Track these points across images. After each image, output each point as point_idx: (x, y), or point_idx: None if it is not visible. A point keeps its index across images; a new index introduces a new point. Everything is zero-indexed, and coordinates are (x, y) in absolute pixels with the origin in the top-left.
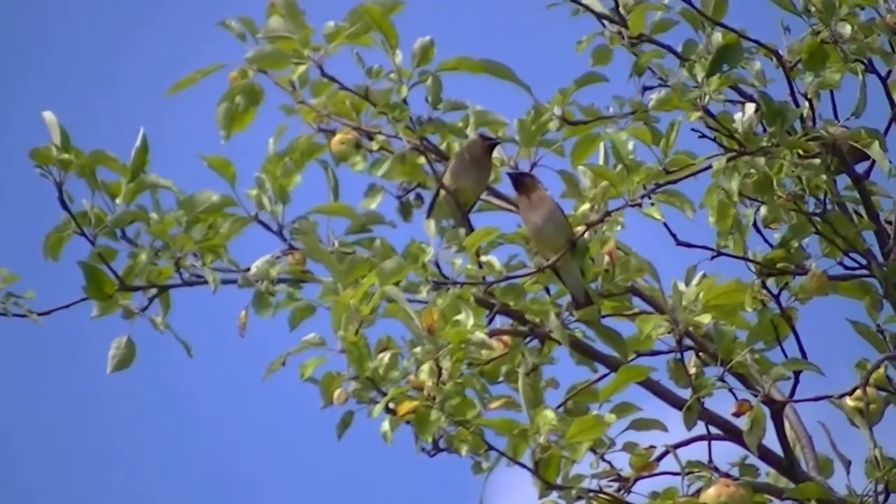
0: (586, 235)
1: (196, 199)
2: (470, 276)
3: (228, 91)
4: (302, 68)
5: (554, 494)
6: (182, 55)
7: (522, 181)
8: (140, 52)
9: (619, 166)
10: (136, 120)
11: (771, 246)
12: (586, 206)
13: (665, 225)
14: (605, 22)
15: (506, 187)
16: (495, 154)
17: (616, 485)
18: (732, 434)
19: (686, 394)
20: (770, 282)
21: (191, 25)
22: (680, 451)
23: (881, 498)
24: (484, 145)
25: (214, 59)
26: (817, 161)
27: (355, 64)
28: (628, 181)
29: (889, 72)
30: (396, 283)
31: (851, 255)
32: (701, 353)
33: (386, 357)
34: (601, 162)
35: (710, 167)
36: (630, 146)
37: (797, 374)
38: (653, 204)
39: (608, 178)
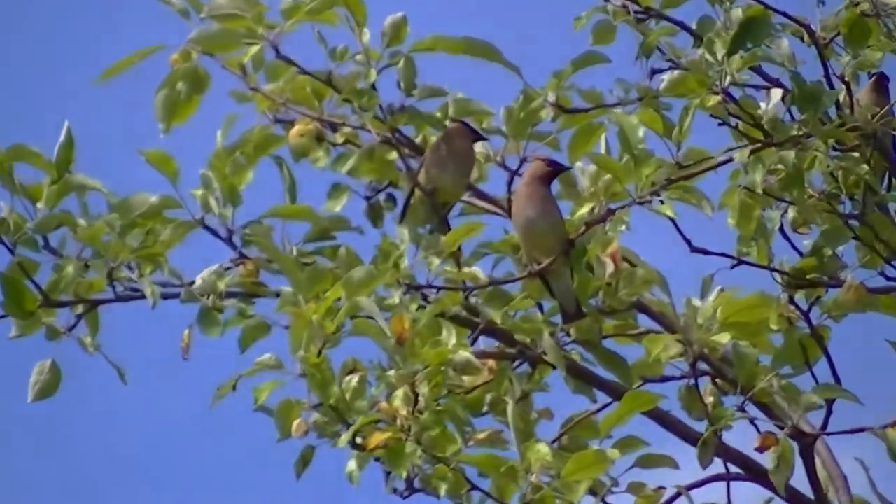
0: (585, 238)
1: (131, 201)
2: (449, 280)
3: (169, 76)
4: (255, 49)
5: None
6: (115, 36)
7: (559, 173)
8: (67, 33)
9: (626, 157)
10: (61, 112)
11: (800, 254)
12: (585, 209)
13: (677, 227)
14: None
15: (492, 186)
16: (479, 148)
17: None
18: (755, 473)
19: (701, 426)
20: (799, 296)
21: (126, 1)
22: (694, 492)
23: None
24: (465, 135)
25: (153, 40)
26: (855, 154)
27: (317, 44)
28: (636, 174)
29: None
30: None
31: (894, 263)
32: (718, 380)
33: (353, 381)
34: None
35: (730, 160)
36: (641, 133)
37: (830, 402)
38: (662, 202)
39: (613, 171)
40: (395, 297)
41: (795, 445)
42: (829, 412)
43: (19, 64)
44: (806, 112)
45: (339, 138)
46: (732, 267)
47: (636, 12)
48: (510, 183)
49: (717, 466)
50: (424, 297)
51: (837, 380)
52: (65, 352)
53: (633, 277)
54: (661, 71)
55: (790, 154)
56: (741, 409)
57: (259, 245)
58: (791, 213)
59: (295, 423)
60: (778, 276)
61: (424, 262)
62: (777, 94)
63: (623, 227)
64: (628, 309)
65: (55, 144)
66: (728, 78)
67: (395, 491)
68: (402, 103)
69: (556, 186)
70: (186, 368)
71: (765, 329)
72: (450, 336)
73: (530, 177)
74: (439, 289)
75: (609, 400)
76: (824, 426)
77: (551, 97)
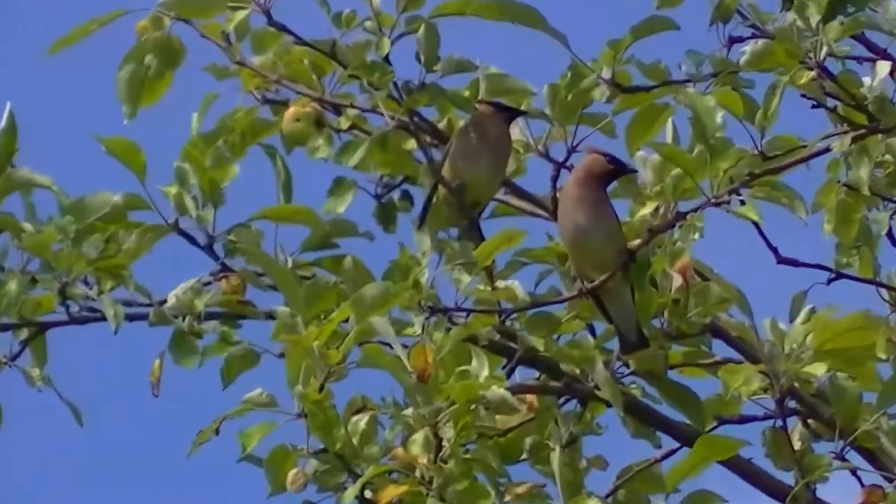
0: (648, 247)
1: (89, 202)
2: (481, 301)
3: (135, 48)
4: (241, 15)
5: None
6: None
7: (621, 174)
8: None
9: (699, 148)
10: (2, 91)
11: None
12: (647, 209)
13: (761, 233)
14: None
15: (532, 182)
16: (516, 135)
17: None
18: None
19: (790, 477)
20: None
21: None
22: None
23: None
24: (500, 118)
25: (115, 3)
26: None
27: (318, 8)
28: (712, 168)
29: None
30: None
31: None
32: (811, 420)
33: (362, 422)
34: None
35: (827, 151)
36: (719, 118)
37: None
38: (744, 202)
39: (683, 165)
40: (416, 325)
41: None
42: None
43: None
44: None
45: (344, 123)
46: (829, 281)
47: None
48: (555, 178)
49: None
50: (451, 320)
51: None
52: (7, 386)
53: (707, 294)
54: (741, 40)
55: None
56: (840, 456)
57: (246, 254)
58: None
59: (291, 474)
60: (886, 293)
61: (450, 275)
62: (884, 68)
63: (696, 236)
64: (700, 333)
65: None
66: (824, 49)
67: None
68: (421, 80)
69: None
70: (158, 407)
71: (870, 358)
72: (481, 366)
73: (585, 174)
74: (469, 312)
75: (677, 445)
76: None
77: (606, 73)
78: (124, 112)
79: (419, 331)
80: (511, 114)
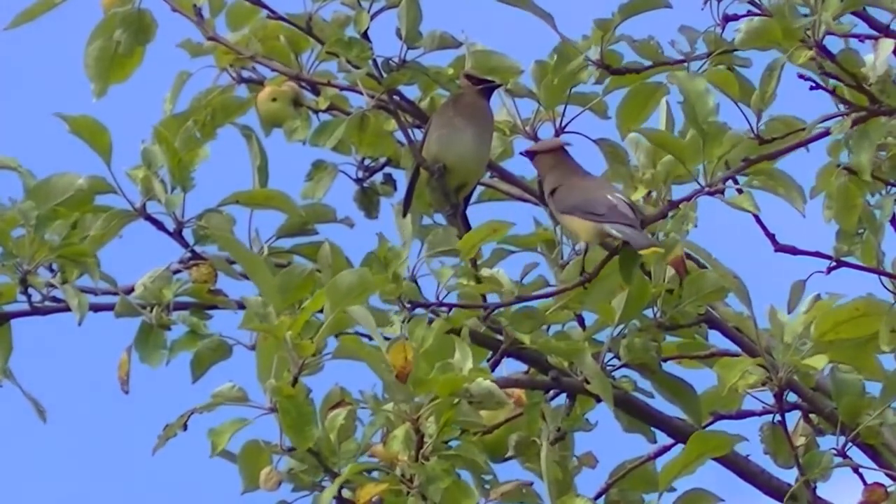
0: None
1: (52, 184)
2: (465, 295)
3: (103, 23)
4: None
5: None
6: None
7: None
8: None
9: (692, 132)
10: None
11: None
12: (639, 194)
13: (758, 220)
14: None
15: (517, 165)
16: (503, 114)
17: None
18: None
19: (790, 475)
20: None
21: None
22: None
23: None
24: (476, 91)
25: None
26: None
27: None
28: (706, 154)
29: None
30: None
31: None
32: (812, 415)
33: (339, 417)
34: (662, 126)
35: (827, 134)
36: (711, 101)
37: None
38: (741, 191)
39: (675, 151)
40: (395, 324)
41: None
42: None
43: None
44: None
45: (323, 103)
46: (830, 270)
47: None
48: None
49: None
50: (434, 312)
51: None
52: None
53: (702, 283)
54: (737, 17)
55: None
56: (842, 453)
57: (218, 241)
58: None
59: (263, 472)
60: (889, 281)
61: (430, 267)
62: (887, 46)
63: (689, 227)
64: (696, 323)
65: None
66: (823, 27)
67: None
68: (402, 57)
69: (602, 163)
70: (124, 401)
71: (873, 349)
72: (465, 358)
73: None
74: (451, 307)
75: (671, 441)
76: None
77: (594, 54)
78: (93, 90)
79: (398, 330)
80: (486, 86)
